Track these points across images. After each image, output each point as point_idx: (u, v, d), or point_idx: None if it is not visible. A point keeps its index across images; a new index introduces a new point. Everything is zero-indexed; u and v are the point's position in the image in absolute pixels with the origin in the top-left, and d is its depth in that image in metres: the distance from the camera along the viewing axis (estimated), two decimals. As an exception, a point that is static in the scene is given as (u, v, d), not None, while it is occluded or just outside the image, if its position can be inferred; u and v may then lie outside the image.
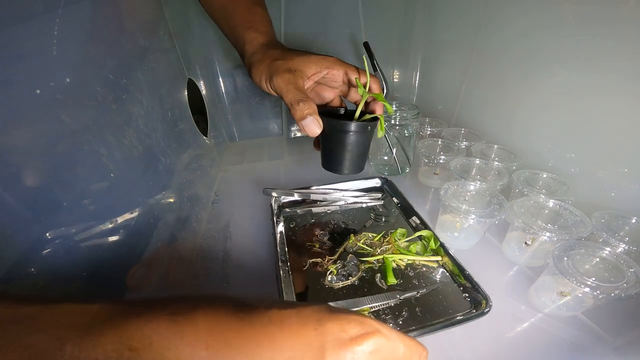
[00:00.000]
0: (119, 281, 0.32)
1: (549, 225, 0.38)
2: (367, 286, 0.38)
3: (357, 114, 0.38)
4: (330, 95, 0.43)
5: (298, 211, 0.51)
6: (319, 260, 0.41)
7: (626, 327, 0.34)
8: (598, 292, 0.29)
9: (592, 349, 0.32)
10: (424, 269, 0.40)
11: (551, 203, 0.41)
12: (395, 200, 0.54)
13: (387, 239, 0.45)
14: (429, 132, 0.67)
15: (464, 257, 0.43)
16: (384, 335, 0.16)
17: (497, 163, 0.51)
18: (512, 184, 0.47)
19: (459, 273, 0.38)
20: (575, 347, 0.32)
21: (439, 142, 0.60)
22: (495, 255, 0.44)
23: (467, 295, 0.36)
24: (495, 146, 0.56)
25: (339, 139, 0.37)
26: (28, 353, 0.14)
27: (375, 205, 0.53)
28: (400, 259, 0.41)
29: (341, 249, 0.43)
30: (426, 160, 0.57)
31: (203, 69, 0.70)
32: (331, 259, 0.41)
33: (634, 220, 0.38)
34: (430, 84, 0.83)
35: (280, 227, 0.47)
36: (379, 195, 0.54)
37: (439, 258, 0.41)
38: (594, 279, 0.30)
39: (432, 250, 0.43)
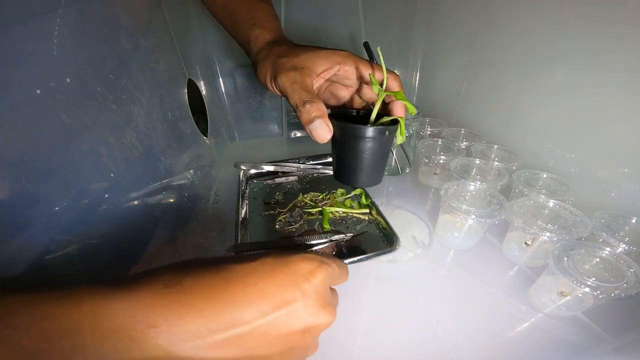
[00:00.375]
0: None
1: (549, 225, 0.38)
2: (306, 228, 0.47)
3: (373, 116, 0.33)
4: (346, 95, 0.38)
5: (264, 181, 0.60)
6: (272, 212, 0.51)
7: (626, 327, 0.34)
8: (598, 292, 0.29)
9: (592, 349, 0.32)
10: (355, 219, 0.49)
11: (551, 203, 0.41)
12: None
13: (328, 197, 0.54)
14: (429, 132, 0.67)
15: (464, 257, 0.44)
16: (325, 263, 0.21)
17: (497, 163, 0.51)
18: (512, 184, 0.47)
19: (382, 223, 0.46)
20: (575, 347, 0.32)
21: (439, 142, 0.60)
22: (495, 255, 0.44)
23: (385, 239, 0.44)
24: (495, 146, 0.56)
25: (352, 146, 0.33)
26: (47, 344, 0.14)
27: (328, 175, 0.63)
28: (336, 211, 0.50)
29: (291, 204, 0.52)
30: (426, 160, 0.57)
31: (203, 69, 0.70)
32: (281, 211, 0.51)
33: (634, 220, 0.38)
34: (430, 84, 0.83)
35: (247, 192, 0.57)
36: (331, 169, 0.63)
37: (367, 211, 0.50)
38: (594, 279, 0.30)
39: (364, 206, 0.51)
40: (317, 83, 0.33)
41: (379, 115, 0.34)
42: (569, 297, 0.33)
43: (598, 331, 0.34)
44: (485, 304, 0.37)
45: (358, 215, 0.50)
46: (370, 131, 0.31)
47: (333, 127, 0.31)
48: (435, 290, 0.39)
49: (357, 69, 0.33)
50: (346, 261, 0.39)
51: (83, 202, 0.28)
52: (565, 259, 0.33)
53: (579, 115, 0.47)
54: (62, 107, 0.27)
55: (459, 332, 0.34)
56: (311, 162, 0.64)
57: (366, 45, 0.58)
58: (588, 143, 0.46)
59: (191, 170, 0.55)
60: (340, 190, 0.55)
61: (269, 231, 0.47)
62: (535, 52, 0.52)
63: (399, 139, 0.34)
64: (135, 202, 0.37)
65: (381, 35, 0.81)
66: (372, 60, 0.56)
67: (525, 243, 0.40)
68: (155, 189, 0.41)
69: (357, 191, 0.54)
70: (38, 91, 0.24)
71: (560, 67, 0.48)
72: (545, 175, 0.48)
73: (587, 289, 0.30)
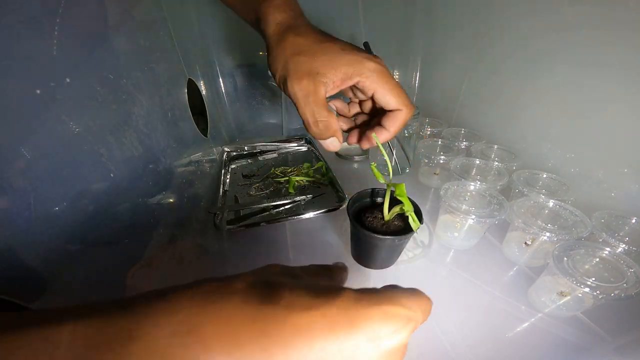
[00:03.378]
0: (119, 281, 0.32)
1: (549, 225, 0.38)
2: (275, 195, 0.58)
3: (386, 212, 0.35)
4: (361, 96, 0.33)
5: (244, 161, 0.71)
6: (247, 183, 0.62)
7: (626, 327, 0.34)
8: (598, 292, 0.29)
9: (592, 349, 0.32)
10: (316, 185, 0.60)
11: (551, 203, 0.41)
12: (315, 153, 0.73)
13: (295, 169, 0.65)
14: (429, 132, 0.67)
15: (464, 257, 0.44)
16: (413, 319, 0.16)
17: (497, 163, 0.51)
18: (512, 184, 0.47)
19: (338, 188, 0.57)
20: (575, 347, 0.32)
21: (439, 142, 0.60)
22: (495, 255, 0.44)
23: (337, 200, 0.55)
24: (495, 146, 0.56)
25: (369, 245, 0.36)
26: None
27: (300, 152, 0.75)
28: (300, 180, 0.61)
29: (265, 176, 0.64)
30: (426, 161, 0.57)
31: (203, 69, 0.70)
32: (256, 181, 0.62)
33: (634, 220, 0.38)
34: (430, 84, 0.83)
35: (229, 168, 0.67)
36: (304, 147, 0.76)
37: (326, 179, 0.61)
38: (593, 279, 0.30)
39: (325, 175, 0.62)
40: (330, 93, 0.29)
41: (392, 200, 0.35)
42: (568, 297, 0.33)
43: (598, 331, 0.34)
44: (485, 303, 0.37)
45: (319, 183, 0.61)
46: (387, 241, 0.34)
47: (351, 227, 0.31)
48: (435, 290, 0.39)
49: (374, 94, 0.29)
50: (305, 216, 0.49)
51: (83, 202, 0.29)
52: (565, 259, 0.33)
53: (579, 115, 0.47)
54: (62, 107, 0.27)
55: (459, 332, 0.34)
56: (288, 144, 0.77)
57: (366, 45, 0.58)
58: (588, 143, 0.46)
59: (191, 170, 0.55)
60: (305, 164, 0.66)
61: (244, 197, 0.57)
62: (535, 52, 0.52)
63: (414, 225, 0.34)
64: (135, 202, 0.37)
65: (381, 36, 0.81)
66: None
67: (525, 243, 0.40)
68: (155, 189, 0.41)
69: (319, 164, 0.65)
70: (38, 91, 0.24)
71: (561, 67, 0.48)
72: (545, 175, 0.48)
73: (587, 289, 0.30)
